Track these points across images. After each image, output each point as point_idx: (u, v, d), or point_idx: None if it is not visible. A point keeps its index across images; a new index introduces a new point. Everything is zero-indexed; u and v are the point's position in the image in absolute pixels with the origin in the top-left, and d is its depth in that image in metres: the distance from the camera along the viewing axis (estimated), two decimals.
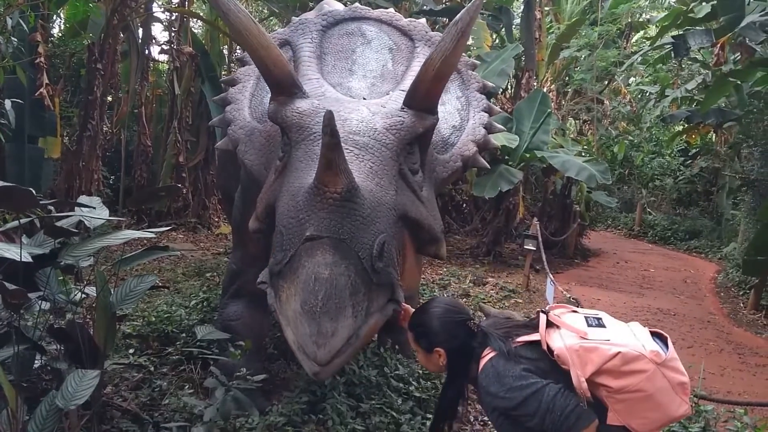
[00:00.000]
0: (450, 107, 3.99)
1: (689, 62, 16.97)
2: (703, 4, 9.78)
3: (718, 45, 8.29)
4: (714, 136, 16.96)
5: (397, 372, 4.52)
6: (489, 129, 4.02)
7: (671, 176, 18.48)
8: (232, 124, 3.56)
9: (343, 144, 2.72)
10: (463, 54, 4.41)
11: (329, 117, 2.28)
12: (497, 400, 2.16)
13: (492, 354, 2.25)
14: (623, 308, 8.63)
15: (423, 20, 4.33)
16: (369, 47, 4.02)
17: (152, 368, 4.35)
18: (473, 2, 2.91)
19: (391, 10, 4.44)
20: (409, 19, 4.31)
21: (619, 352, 2.18)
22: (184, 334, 4.71)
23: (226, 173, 5.88)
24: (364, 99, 3.38)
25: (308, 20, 4.00)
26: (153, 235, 3.34)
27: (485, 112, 4.05)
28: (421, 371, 4.73)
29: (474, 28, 12.09)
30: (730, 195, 15.39)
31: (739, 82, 11.60)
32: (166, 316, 4.88)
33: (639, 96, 22.23)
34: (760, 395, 5.78)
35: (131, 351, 4.49)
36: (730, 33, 8.03)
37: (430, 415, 4.28)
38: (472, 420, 4.61)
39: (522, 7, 14.02)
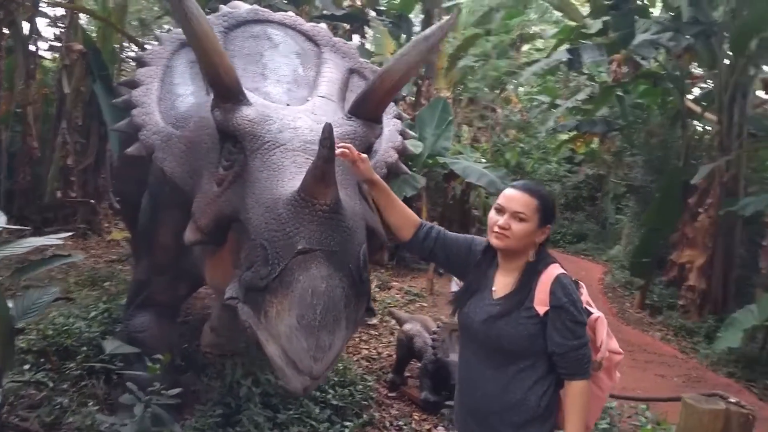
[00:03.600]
0: None
1: (575, 75, 17.89)
2: (590, 20, 10.31)
3: (615, 62, 8.75)
4: (599, 145, 17.86)
5: None
6: (403, 135, 4.05)
7: (559, 182, 19.35)
8: (144, 130, 3.35)
9: (301, 153, 2.66)
10: (367, 60, 4.42)
11: (329, 129, 2.24)
12: (570, 305, 2.23)
13: (564, 272, 2.34)
14: None
15: (324, 25, 4.30)
16: (277, 51, 3.93)
17: (51, 385, 4.07)
18: (447, 20, 2.92)
19: (291, 13, 4.37)
20: (311, 24, 4.27)
21: (622, 354, 2.39)
22: (85, 348, 4.44)
23: (126, 178, 5.59)
24: (288, 105, 3.31)
25: (209, 21, 3.86)
26: (60, 242, 3.13)
27: (397, 118, 4.08)
28: (336, 378, 4.70)
29: (376, 35, 12.21)
30: (613, 200, 16.31)
31: (622, 94, 12.36)
32: (64, 328, 4.58)
33: (529, 105, 23.16)
34: (651, 390, 6.13)
35: (26, 367, 4.17)
36: (624, 49, 8.51)
37: (348, 423, 4.26)
38: (387, 425, 4.62)
39: (422, 15, 14.30)
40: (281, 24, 4.11)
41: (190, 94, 3.60)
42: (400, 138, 3.93)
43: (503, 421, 2.32)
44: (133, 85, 3.65)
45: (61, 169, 10.12)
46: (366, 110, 2.94)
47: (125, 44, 11.91)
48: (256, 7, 4.22)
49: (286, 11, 4.70)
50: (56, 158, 10.04)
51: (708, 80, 11.80)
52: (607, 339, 2.34)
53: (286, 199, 2.40)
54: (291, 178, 2.54)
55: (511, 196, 2.35)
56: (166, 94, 3.61)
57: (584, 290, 2.40)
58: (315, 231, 2.33)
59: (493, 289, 2.40)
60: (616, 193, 15.76)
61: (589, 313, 2.33)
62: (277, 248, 2.32)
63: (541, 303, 2.26)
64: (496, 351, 2.34)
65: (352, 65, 4.08)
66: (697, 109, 10.78)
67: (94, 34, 11.36)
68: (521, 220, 2.30)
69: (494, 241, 2.36)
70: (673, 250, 9.63)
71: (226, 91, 2.83)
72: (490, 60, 19.60)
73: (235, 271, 2.60)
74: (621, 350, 2.39)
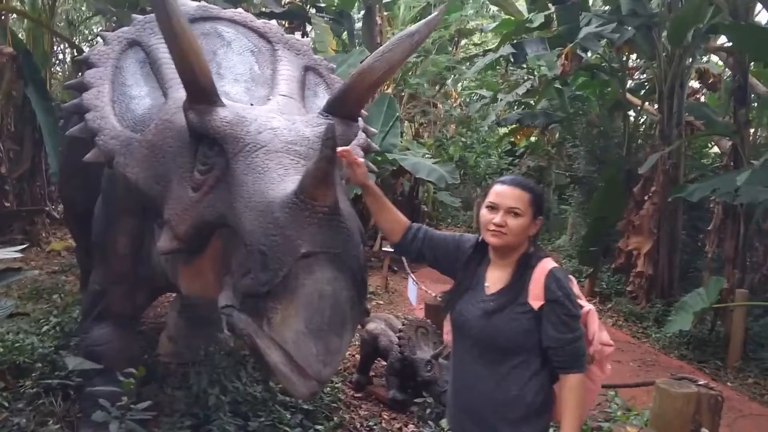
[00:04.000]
0: None
1: (512, 69, 18.19)
2: (534, 13, 10.45)
3: (563, 56, 8.90)
4: (539, 137, 18.19)
5: (279, 385, 4.37)
6: (365, 132, 3.99)
7: (501, 175, 19.61)
8: (101, 134, 3.15)
9: (284, 154, 2.56)
10: (321, 57, 4.34)
11: (332, 129, 2.18)
12: (565, 299, 2.25)
13: (557, 266, 2.36)
14: None
15: (274, 21, 4.19)
16: (230, 49, 3.81)
17: (6, 404, 3.87)
18: (433, 16, 2.84)
19: (241, 10, 4.26)
20: (262, 20, 4.16)
21: (613, 346, 2.42)
22: (40, 364, 4.23)
23: (72, 186, 5.35)
24: (252, 105, 3.20)
25: (155, 19, 3.71)
26: (19, 254, 2.95)
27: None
28: None
29: (318, 32, 12.08)
30: (556, 191, 16.62)
31: (561, 87, 12.62)
32: (16, 345, 4.35)
33: (468, 100, 23.43)
34: (610, 376, 6.19)
35: None
36: (570, 43, 8.67)
37: (319, 426, 4.19)
38: (358, 426, 4.56)
39: (362, 12, 14.25)
40: (232, 21, 3.98)
41: (145, 95, 3.44)
42: (363, 135, 3.88)
43: (499, 419, 2.31)
44: (82, 87, 3.44)
45: None
46: (344, 108, 2.84)
47: (55, 46, 11.47)
48: (203, 3, 4.08)
49: (229, 8, 4.56)
50: None
51: (645, 72, 12.16)
52: (599, 331, 2.35)
53: (282, 203, 2.31)
54: (279, 181, 2.45)
55: (503, 192, 2.34)
56: (119, 97, 3.43)
57: (574, 284, 2.40)
58: (317, 234, 2.25)
59: (486, 285, 2.39)
60: (559, 183, 16.06)
61: (581, 306, 2.34)
62: (277, 253, 2.23)
63: (535, 298, 2.26)
64: (491, 348, 2.33)
65: (307, 62, 4.00)
66: (637, 101, 11.07)
67: (21, 36, 10.91)
68: (517, 215, 2.31)
69: (492, 240, 2.36)
70: (619, 237, 9.87)
71: (200, 93, 2.71)
72: (429, 55, 19.73)
73: (225, 278, 2.49)
74: (612, 342, 2.41)
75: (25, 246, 4.35)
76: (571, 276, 2.45)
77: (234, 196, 2.51)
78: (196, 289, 2.94)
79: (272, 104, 3.22)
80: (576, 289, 2.38)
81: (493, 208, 2.34)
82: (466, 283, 2.46)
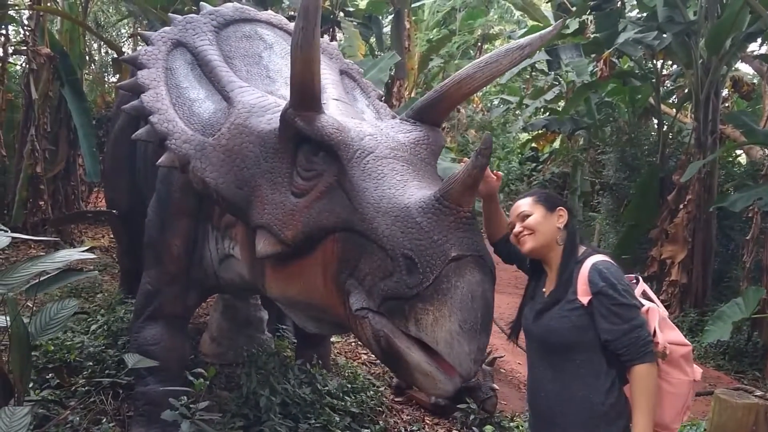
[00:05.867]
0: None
1: (534, 73, 18.22)
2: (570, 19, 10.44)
3: (602, 61, 8.88)
4: (564, 143, 18.15)
5: (327, 388, 4.39)
6: None
7: (525, 181, 19.63)
8: (171, 138, 3.13)
9: (392, 159, 2.58)
10: (351, 61, 4.34)
11: (489, 139, 2.27)
12: (611, 289, 2.27)
13: (609, 259, 2.42)
14: (507, 309, 8.92)
15: None
16: (273, 52, 3.82)
17: (58, 401, 3.90)
18: (548, 30, 2.83)
19: (271, 11, 4.26)
20: (294, 23, 4.16)
21: (690, 347, 2.40)
22: (91, 363, 4.27)
23: (117, 187, 5.41)
24: None
25: (197, 20, 3.67)
26: (94, 256, 2.98)
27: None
28: (350, 385, 4.64)
29: (347, 36, 12.14)
30: (581, 198, 16.55)
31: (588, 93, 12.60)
32: (66, 343, 4.39)
33: (490, 105, 23.49)
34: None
35: (30, 385, 3.99)
36: (608, 49, 8.66)
37: (365, 430, 4.21)
38: (402, 431, 4.57)
39: (389, 17, 14.30)
40: (269, 24, 3.99)
41: (204, 98, 3.42)
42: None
43: (569, 422, 2.36)
44: (138, 89, 3.42)
45: (30, 177, 9.78)
46: (433, 115, 2.85)
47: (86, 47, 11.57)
48: (238, 4, 4.05)
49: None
50: (25, 166, 9.68)
51: (676, 79, 12.08)
52: (667, 330, 2.34)
53: (422, 207, 2.33)
54: (403, 186, 2.47)
55: (513, 208, 2.57)
56: (178, 99, 3.39)
57: (641, 283, 2.44)
58: (463, 237, 2.29)
59: (543, 290, 2.52)
60: (583, 190, 15.99)
61: (635, 299, 2.35)
62: (426, 257, 2.26)
63: (583, 293, 2.33)
64: (548, 347, 2.44)
65: (341, 66, 4.02)
66: (669, 110, 11.01)
67: (57, 36, 11.03)
68: (527, 216, 2.48)
69: (522, 249, 2.53)
70: (650, 245, 9.81)
71: (312, 101, 2.70)
72: (453, 60, 19.79)
73: (350, 281, 2.48)
74: (687, 342, 2.40)
75: (90, 247, 4.38)
76: (638, 276, 2.48)
77: (357, 202, 2.50)
78: (293, 291, 2.88)
79: (333, 109, 3.21)
80: (640, 288, 2.40)
81: (512, 227, 2.54)
82: (530, 292, 2.61)
